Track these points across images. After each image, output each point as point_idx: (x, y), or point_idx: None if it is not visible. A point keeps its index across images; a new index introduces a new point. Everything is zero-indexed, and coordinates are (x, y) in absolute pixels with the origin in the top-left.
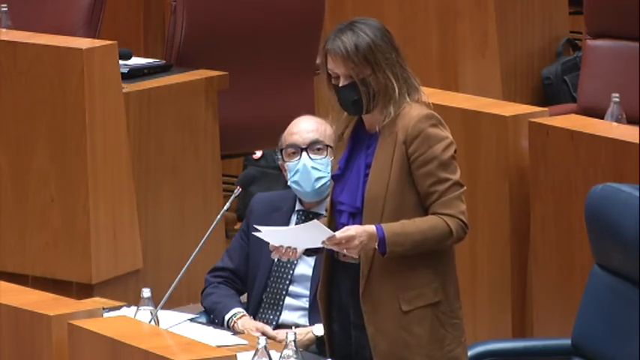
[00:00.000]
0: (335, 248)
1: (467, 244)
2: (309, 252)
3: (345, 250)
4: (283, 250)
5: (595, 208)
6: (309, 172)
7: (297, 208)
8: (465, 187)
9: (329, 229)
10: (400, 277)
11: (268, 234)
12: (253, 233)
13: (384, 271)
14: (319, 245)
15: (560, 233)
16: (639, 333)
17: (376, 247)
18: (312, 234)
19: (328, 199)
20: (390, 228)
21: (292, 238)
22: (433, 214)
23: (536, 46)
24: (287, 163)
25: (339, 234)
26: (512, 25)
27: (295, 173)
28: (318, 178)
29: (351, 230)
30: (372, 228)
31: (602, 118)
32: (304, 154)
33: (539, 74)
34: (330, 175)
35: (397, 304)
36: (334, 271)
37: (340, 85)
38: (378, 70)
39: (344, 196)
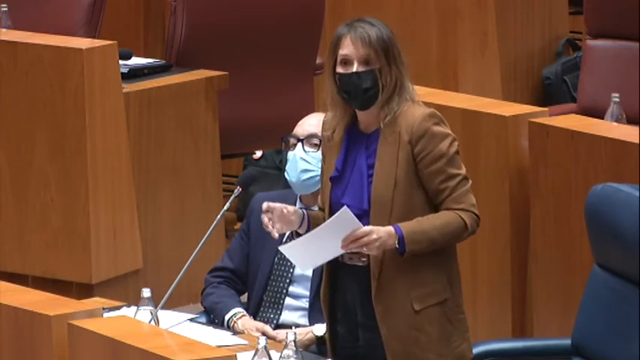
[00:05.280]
0: (354, 247)
1: (467, 244)
2: (298, 236)
3: (364, 249)
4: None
5: (595, 208)
6: (297, 162)
7: (297, 207)
8: (471, 181)
9: (357, 219)
10: (410, 277)
11: (291, 248)
12: (279, 248)
13: (394, 271)
14: (339, 252)
15: (560, 233)
16: (639, 333)
17: (396, 245)
18: (335, 229)
19: (324, 201)
20: (408, 227)
21: (314, 244)
22: (446, 209)
23: (536, 46)
24: (287, 153)
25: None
26: (512, 25)
27: (287, 163)
28: (305, 170)
29: (367, 227)
30: (389, 227)
31: (602, 118)
32: (299, 145)
33: (539, 74)
34: (320, 170)
35: (409, 304)
36: (338, 274)
37: (354, 70)
38: (393, 64)
39: (347, 199)
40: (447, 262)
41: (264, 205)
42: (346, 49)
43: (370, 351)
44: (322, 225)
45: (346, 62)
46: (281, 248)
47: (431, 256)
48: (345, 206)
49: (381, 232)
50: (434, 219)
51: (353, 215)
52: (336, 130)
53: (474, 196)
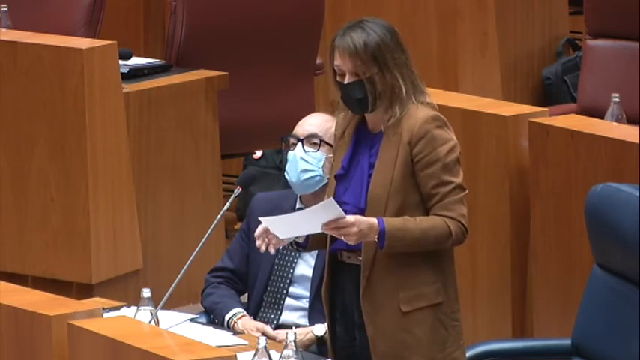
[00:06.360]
0: (333, 232)
1: (467, 244)
2: (297, 245)
3: (342, 237)
4: (265, 241)
5: (595, 208)
6: (297, 162)
7: (297, 207)
8: (467, 191)
9: (340, 209)
10: (401, 278)
11: (272, 221)
12: (260, 219)
13: (385, 271)
14: (319, 230)
15: (560, 233)
16: (639, 333)
17: (376, 239)
18: (319, 215)
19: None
20: (392, 223)
21: (296, 223)
22: (434, 215)
23: (536, 46)
24: (287, 153)
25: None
26: (512, 25)
27: (287, 163)
28: (305, 170)
29: (351, 218)
30: (373, 220)
31: (602, 118)
32: (299, 145)
33: (539, 74)
34: (320, 170)
35: (397, 305)
36: (337, 272)
37: (345, 82)
38: (386, 69)
39: (347, 197)
40: (442, 266)
41: (260, 228)
42: (337, 60)
43: (364, 351)
44: (307, 209)
45: (340, 73)
46: (262, 219)
47: (424, 258)
48: (331, 198)
49: (362, 225)
50: (420, 221)
51: (338, 207)
52: (347, 130)
53: (474, 197)
